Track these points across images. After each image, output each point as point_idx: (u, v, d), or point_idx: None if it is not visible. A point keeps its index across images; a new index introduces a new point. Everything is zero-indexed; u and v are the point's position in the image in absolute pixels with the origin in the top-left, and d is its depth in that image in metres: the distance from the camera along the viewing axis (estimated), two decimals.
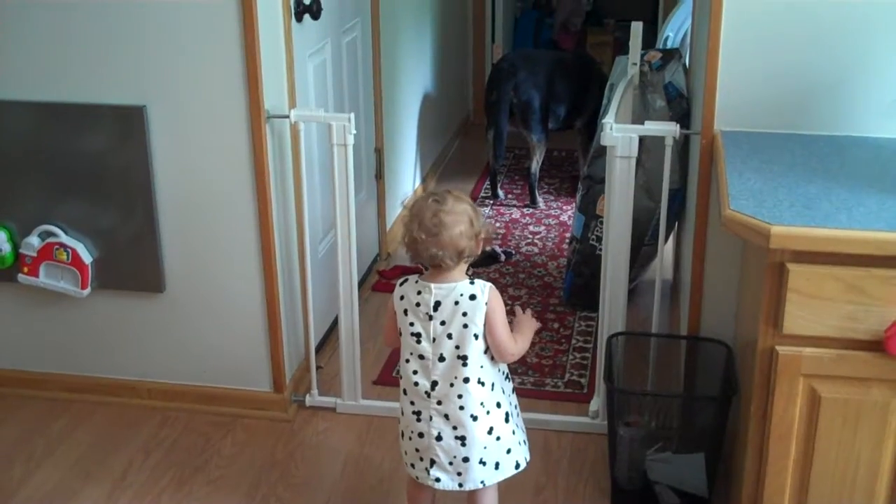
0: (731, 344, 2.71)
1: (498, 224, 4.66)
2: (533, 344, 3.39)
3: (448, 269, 2.28)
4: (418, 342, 2.31)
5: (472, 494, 2.44)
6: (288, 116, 2.90)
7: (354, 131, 2.85)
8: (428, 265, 2.30)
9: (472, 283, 2.29)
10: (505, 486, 2.55)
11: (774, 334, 2.13)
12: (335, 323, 3.21)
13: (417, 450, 2.38)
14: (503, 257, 4.25)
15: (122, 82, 2.84)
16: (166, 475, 2.88)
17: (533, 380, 3.34)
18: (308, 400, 3.16)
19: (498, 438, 2.35)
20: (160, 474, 2.89)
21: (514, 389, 2.48)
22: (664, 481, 2.66)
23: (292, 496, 2.79)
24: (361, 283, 3.65)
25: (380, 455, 2.94)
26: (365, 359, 3.23)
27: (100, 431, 3.08)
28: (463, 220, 2.25)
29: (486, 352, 2.32)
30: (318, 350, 3.28)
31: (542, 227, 4.64)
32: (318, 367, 3.20)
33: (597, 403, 3.04)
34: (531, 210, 4.85)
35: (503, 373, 2.41)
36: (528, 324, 2.44)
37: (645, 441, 2.70)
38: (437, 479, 2.37)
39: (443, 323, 2.29)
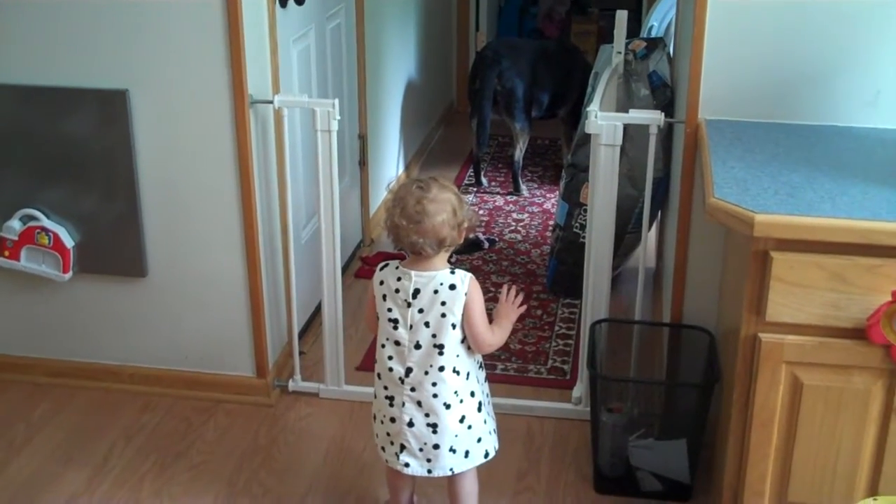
0: (714, 331, 2.72)
1: (481, 212, 4.66)
2: (516, 330, 3.41)
3: (428, 256, 2.27)
4: (395, 328, 2.31)
5: (452, 480, 2.45)
6: (272, 102, 2.88)
7: (339, 117, 2.84)
8: (408, 252, 2.30)
9: (452, 272, 2.29)
10: (487, 473, 2.56)
11: (757, 322, 2.14)
12: (318, 309, 3.21)
13: (388, 434, 2.38)
14: (486, 245, 4.25)
15: (104, 66, 2.82)
16: (148, 460, 2.87)
17: (516, 366, 3.35)
18: (291, 385, 3.16)
19: (469, 427, 2.35)
20: (142, 459, 2.88)
21: (487, 378, 2.47)
22: (646, 467, 2.68)
23: (275, 481, 2.79)
24: (344, 270, 3.65)
25: (362, 440, 2.94)
26: (348, 345, 3.23)
27: (81, 416, 3.07)
28: (446, 208, 2.24)
29: (463, 341, 2.31)
30: (300, 335, 3.28)
31: (526, 215, 4.65)
32: (300, 353, 3.20)
33: (579, 390, 3.05)
34: (514, 198, 4.86)
35: (478, 361, 2.40)
36: (508, 314, 2.42)
37: (627, 427, 2.71)
38: (407, 465, 2.37)
39: (421, 311, 2.28)
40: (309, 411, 3.10)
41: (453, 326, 2.28)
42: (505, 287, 2.45)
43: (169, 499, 2.72)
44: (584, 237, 3.33)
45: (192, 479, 2.80)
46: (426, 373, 2.30)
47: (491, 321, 2.36)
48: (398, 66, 4.83)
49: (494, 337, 2.34)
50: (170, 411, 3.09)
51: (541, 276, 4.00)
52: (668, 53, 3.57)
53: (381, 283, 2.33)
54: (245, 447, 2.93)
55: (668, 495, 2.68)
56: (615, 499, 2.71)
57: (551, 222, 4.34)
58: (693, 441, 2.63)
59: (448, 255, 2.32)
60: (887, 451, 2.19)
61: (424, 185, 2.25)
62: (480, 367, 2.42)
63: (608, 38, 3.66)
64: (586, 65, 4.90)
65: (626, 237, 3.59)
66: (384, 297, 2.32)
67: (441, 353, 2.29)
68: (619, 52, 3.38)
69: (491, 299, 3.73)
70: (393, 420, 2.36)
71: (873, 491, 2.22)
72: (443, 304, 2.27)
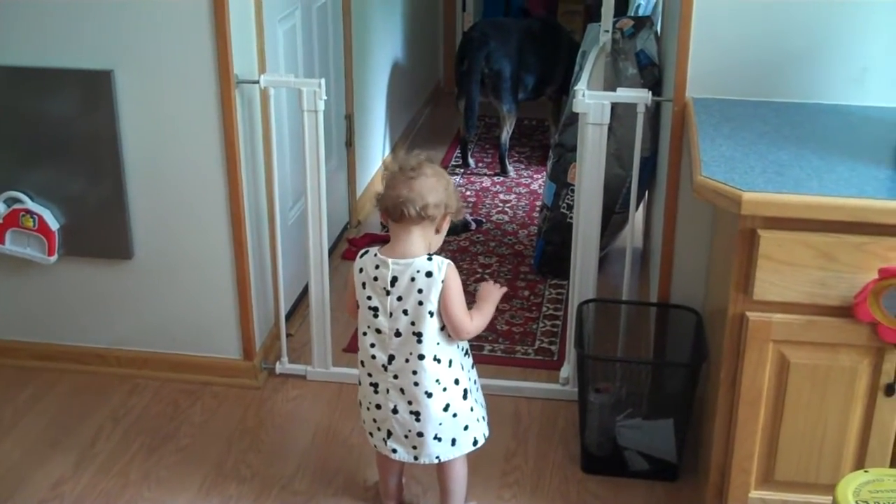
0: (701, 311, 2.72)
1: (468, 193, 4.65)
2: (503, 311, 3.41)
3: (408, 221, 2.23)
4: (375, 316, 2.30)
5: (441, 464, 2.44)
6: (258, 82, 2.87)
7: (325, 97, 2.83)
8: (391, 213, 2.26)
9: (429, 259, 2.27)
10: (475, 454, 2.55)
11: (745, 300, 2.14)
12: (305, 290, 3.20)
13: (375, 420, 2.39)
14: (473, 226, 4.24)
15: (88, 46, 2.79)
16: (135, 443, 2.87)
17: (503, 347, 3.35)
18: (278, 367, 3.15)
19: (455, 415, 2.34)
20: (129, 442, 2.87)
21: (474, 365, 2.46)
22: (634, 447, 2.68)
23: (263, 464, 2.79)
24: (331, 251, 3.64)
25: (350, 422, 2.94)
26: (335, 326, 3.22)
27: (68, 400, 3.06)
28: (441, 182, 2.26)
29: (442, 329, 2.30)
30: (287, 317, 3.27)
31: (513, 196, 4.64)
32: (287, 335, 3.19)
33: (567, 370, 3.05)
34: (502, 179, 4.85)
35: (462, 349, 2.39)
36: (490, 296, 2.40)
37: (615, 407, 2.71)
38: (394, 450, 2.38)
39: (399, 298, 2.27)
40: (296, 393, 3.10)
41: (430, 314, 2.27)
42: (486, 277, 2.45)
43: (157, 482, 2.71)
44: (571, 217, 3.32)
45: (179, 462, 2.79)
46: (406, 360, 2.30)
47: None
48: (385, 45, 4.81)
49: (473, 323, 2.32)
50: (157, 394, 3.08)
51: (528, 257, 3.99)
52: (656, 32, 3.56)
53: (361, 270, 2.33)
54: (232, 429, 2.92)
55: (656, 474, 2.69)
56: (603, 478, 2.71)
57: (538, 203, 4.34)
58: (680, 420, 2.63)
59: (426, 239, 2.30)
60: (873, 429, 2.20)
61: (427, 158, 2.28)
62: (466, 354, 2.41)
63: (595, 17, 3.66)
64: (572, 43, 4.88)
65: (613, 217, 3.59)
66: (364, 284, 2.31)
67: (420, 341, 2.28)
68: (607, 31, 3.37)
69: (478, 280, 3.74)
70: (378, 406, 2.36)
71: (859, 469, 2.23)
72: (419, 291, 2.26)
